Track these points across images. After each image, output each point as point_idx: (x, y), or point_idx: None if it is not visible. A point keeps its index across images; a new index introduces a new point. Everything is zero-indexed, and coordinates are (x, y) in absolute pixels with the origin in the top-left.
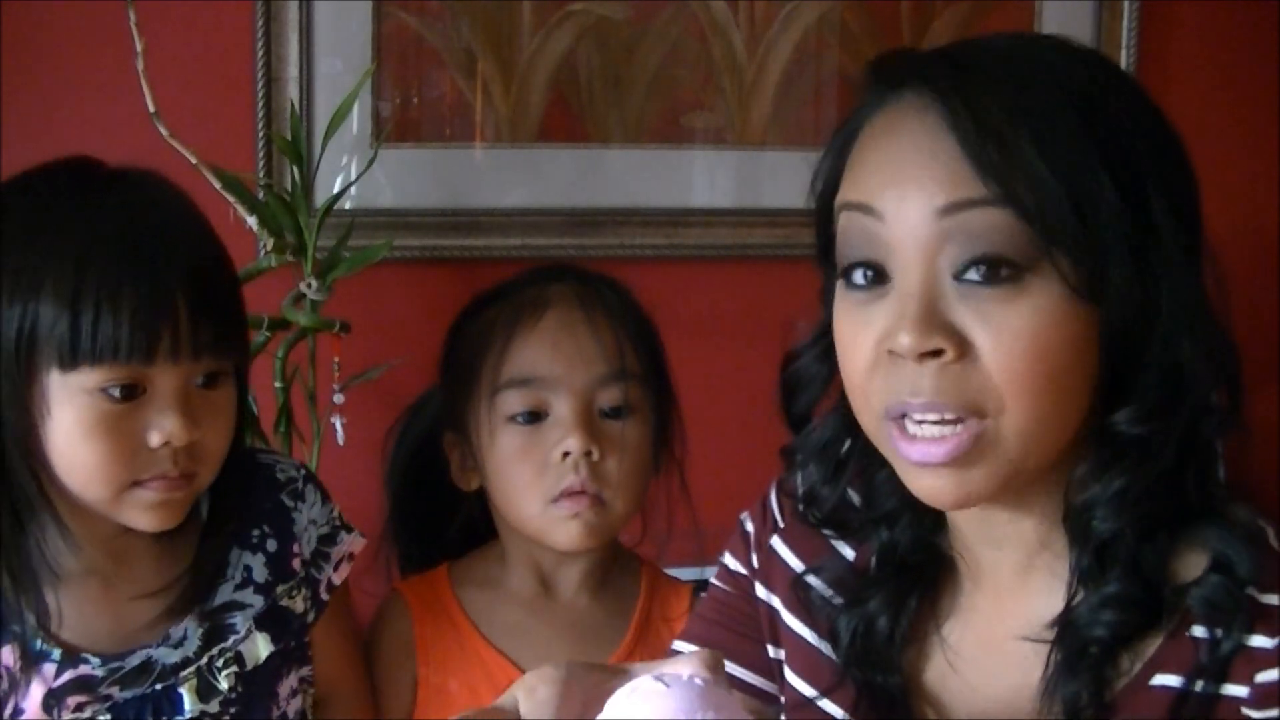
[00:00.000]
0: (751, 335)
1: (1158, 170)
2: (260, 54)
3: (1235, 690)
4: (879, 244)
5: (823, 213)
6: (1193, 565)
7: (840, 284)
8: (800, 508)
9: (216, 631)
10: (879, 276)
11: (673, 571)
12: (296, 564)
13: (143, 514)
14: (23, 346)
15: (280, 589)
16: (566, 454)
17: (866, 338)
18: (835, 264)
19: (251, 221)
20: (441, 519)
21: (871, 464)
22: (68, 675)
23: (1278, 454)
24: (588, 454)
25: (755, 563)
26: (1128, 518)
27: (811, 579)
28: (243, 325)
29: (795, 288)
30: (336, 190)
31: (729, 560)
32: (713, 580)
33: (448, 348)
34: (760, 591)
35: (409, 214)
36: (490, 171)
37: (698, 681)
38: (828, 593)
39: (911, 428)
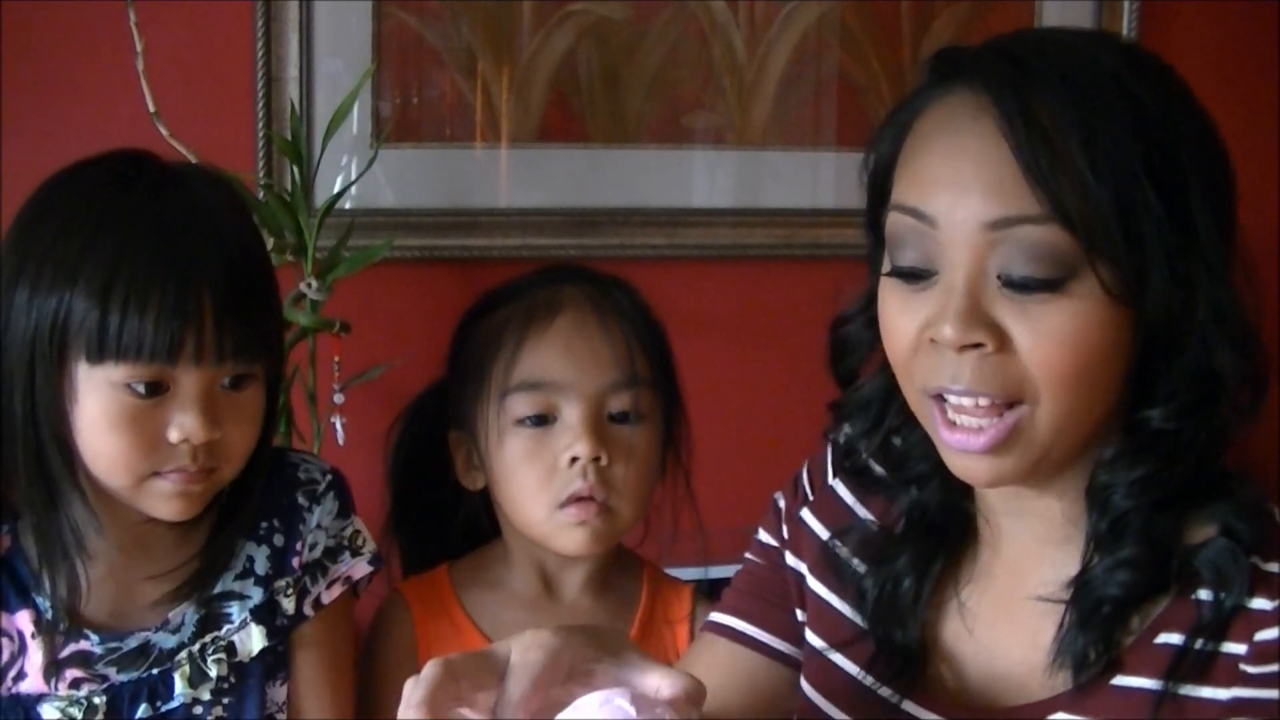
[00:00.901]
0: (751, 335)
1: (1201, 177)
2: (260, 54)
3: (1234, 648)
4: (929, 244)
5: (874, 190)
6: (1201, 534)
7: (888, 271)
8: (842, 458)
9: (212, 619)
10: (926, 271)
11: (676, 572)
12: (297, 562)
13: (162, 503)
14: (56, 335)
15: (278, 583)
16: (574, 459)
17: (910, 323)
18: (883, 240)
19: None
20: (443, 518)
21: (909, 425)
22: (69, 648)
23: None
24: (596, 459)
25: (785, 534)
26: (1146, 498)
27: (838, 546)
28: (276, 330)
29: (795, 287)
30: (336, 190)
31: (761, 535)
32: (747, 555)
33: (456, 346)
34: (789, 560)
35: (409, 214)
36: (490, 171)
37: (665, 717)
38: (853, 559)
39: (951, 413)
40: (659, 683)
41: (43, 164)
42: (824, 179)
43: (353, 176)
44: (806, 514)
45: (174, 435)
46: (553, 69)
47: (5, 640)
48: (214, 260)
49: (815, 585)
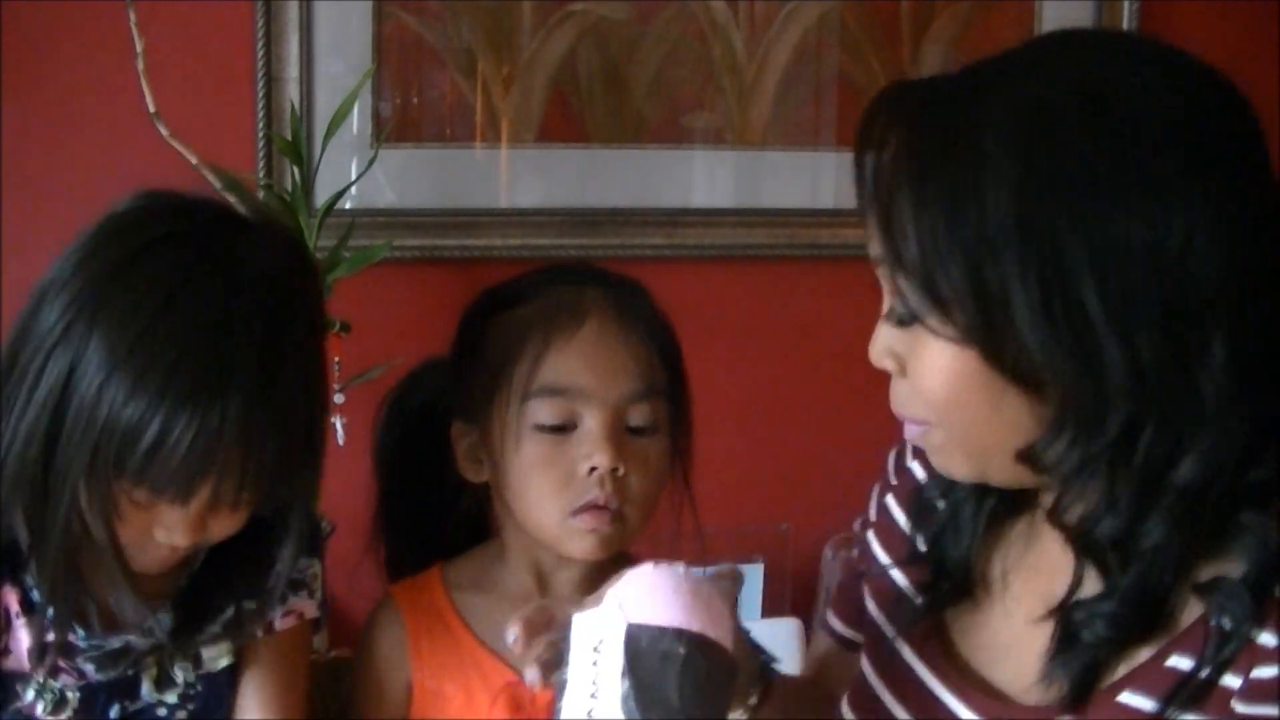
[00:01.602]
0: (751, 335)
1: (1092, 236)
2: (260, 54)
3: (1232, 681)
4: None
5: None
6: (1217, 568)
7: None
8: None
9: (186, 625)
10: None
11: None
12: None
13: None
14: (114, 442)
15: (247, 604)
16: (593, 469)
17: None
18: None
19: None
20: (435, 509)
21: None
22: (55, 636)
23: None
24: (614, 470)
25: (872, 516)
26: (1102, 533)
27: (929, 491)
28: (305, 466)
29: (795, 288)
30: (336, 190)
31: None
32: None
33: (468, 338)
34: (889, 499)
35: (409, 214)
36: (490, 171)
37: (680, 569)
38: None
39: None
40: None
41: (43, 164)
42: (824, 179)
43: (353, 176)
44: (914, 463)
45: (160, 535)
46: (553, 69)
47: None
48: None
49: (891, 504)
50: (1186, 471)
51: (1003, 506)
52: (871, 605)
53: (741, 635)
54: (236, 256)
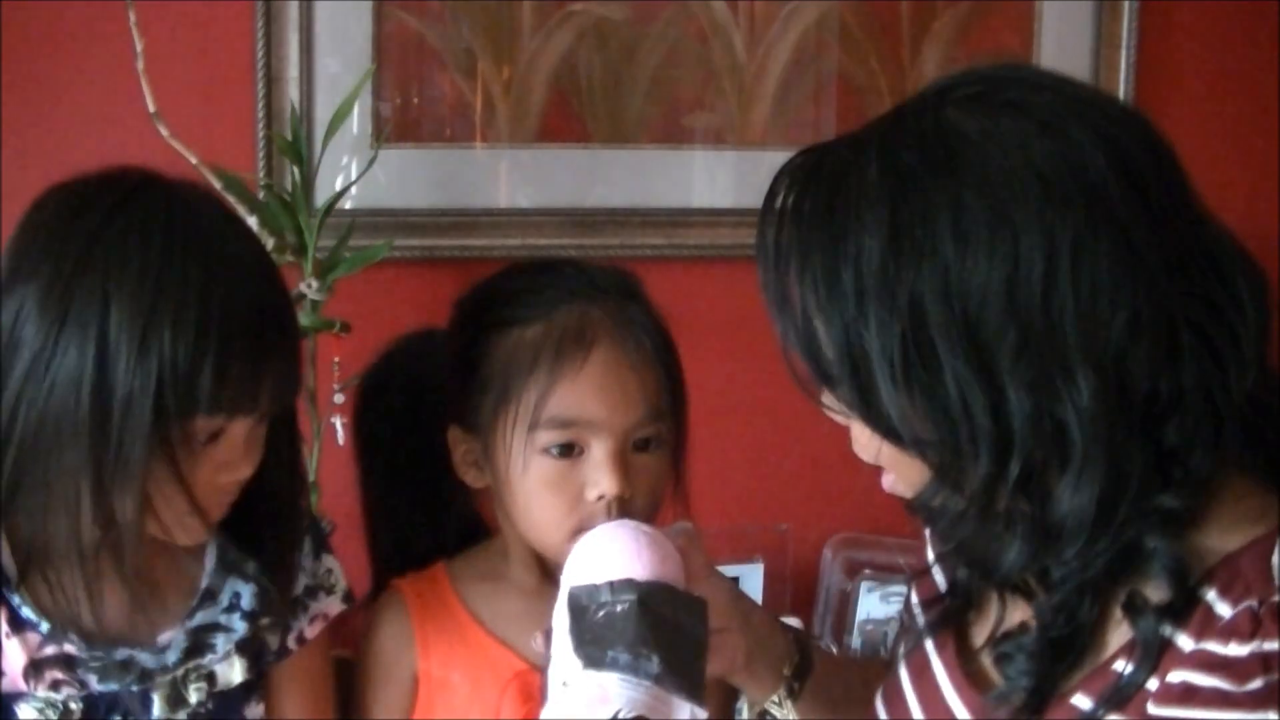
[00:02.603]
0: (751, 335)
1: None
2: (260, 54)
3: (1152, 684)
4: None
5: None
6: (1132, 583)
7: None
8: None
9: (197, 648)
10: None
11: None
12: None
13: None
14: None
15: (264, 621)
16: (600, 495)
17: None
18: None
19: (251, 222)
20: (425, 509)
21: None
22: (51, 649)
23: None
24: (624, 494)
25: None
26: (1004, 568)
27: None
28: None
29: None
30: (336, 190)
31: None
32: None
33: (467, 351)
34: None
35: (409, 214)
36: (490, 171)
37: (627, 524)
38: None
39: None
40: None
41: (43, 164)
42: None
43: (353, 176)
44: None
45: (225, 478)
46: (553, 69)
47: None
48: (282, 307)
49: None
50: (1066, 503)
51: None
52: (914, 598)
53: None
54: (181, 196)
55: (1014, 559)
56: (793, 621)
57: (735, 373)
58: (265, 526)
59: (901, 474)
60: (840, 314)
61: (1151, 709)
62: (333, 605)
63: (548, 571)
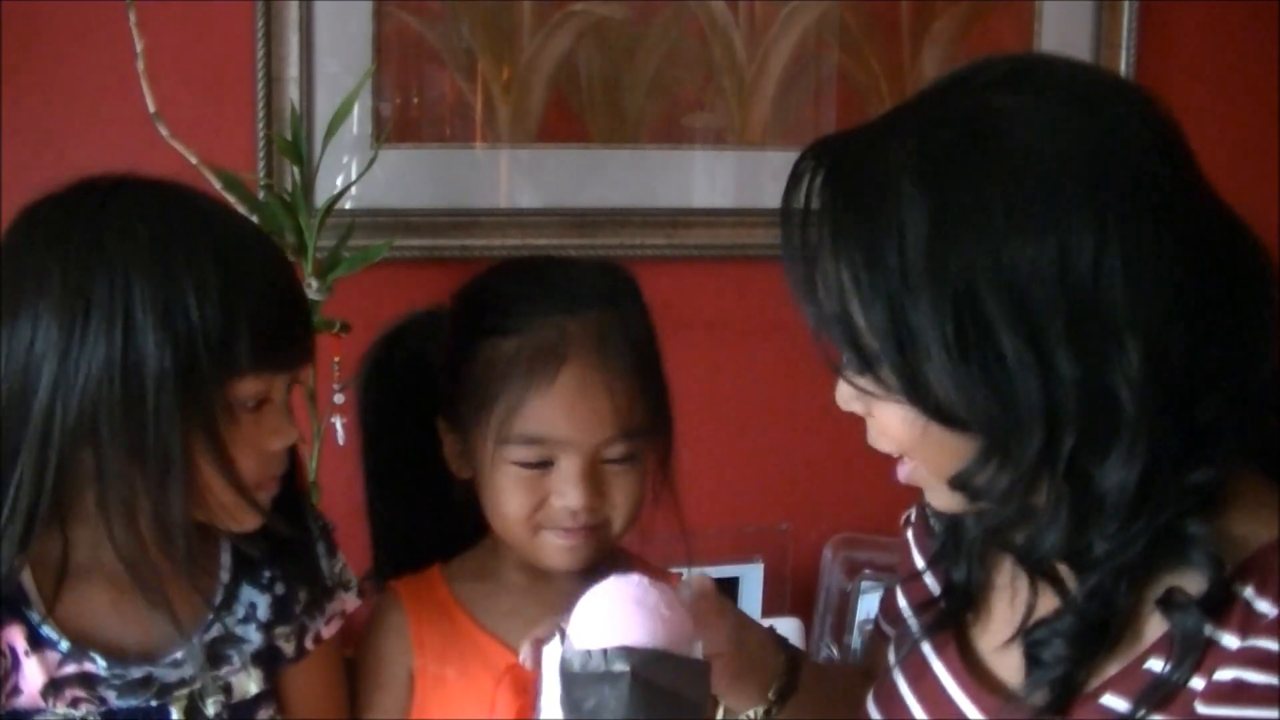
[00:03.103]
0: (751, 335)
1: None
2: (260, 54)
3: (1197, 683)
4: None
5: None
6: (1172, 578)
7: None
8: None
9: (214, 659)
10: None
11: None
12: (297, 609)
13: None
14: (204, 353)
15: (279, 630)
16: (565, 506)
17: None
18: None
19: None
20: (426, 500)
21: None
22: (71, 668)
23: None
24: (592, 506)
25: (914, 516)
26: (1045, 548)
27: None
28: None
29: None
30: (337, 190)
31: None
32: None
33: (456, 350)
34: (909, 532)
35: (409, 214)
36: (490, 171)
37: (631, 581)
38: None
39: None
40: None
41: (43, 164)
42: None
43: (353, 176)
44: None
45: (276, 444)
46: (553, 69)
47: None
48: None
49: (909, 534)
50: (1112, 478)
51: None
52: (903, 602)
53: (752, 632)
54: (162, 182)
55: (1055, 539)
56: (792, 622)
57: (735, 373)
58: (281, 527)
59: (931, 458)
60: (886, 293)
61: (1201, 709)
62: (349, 601)
63: (539, 570)
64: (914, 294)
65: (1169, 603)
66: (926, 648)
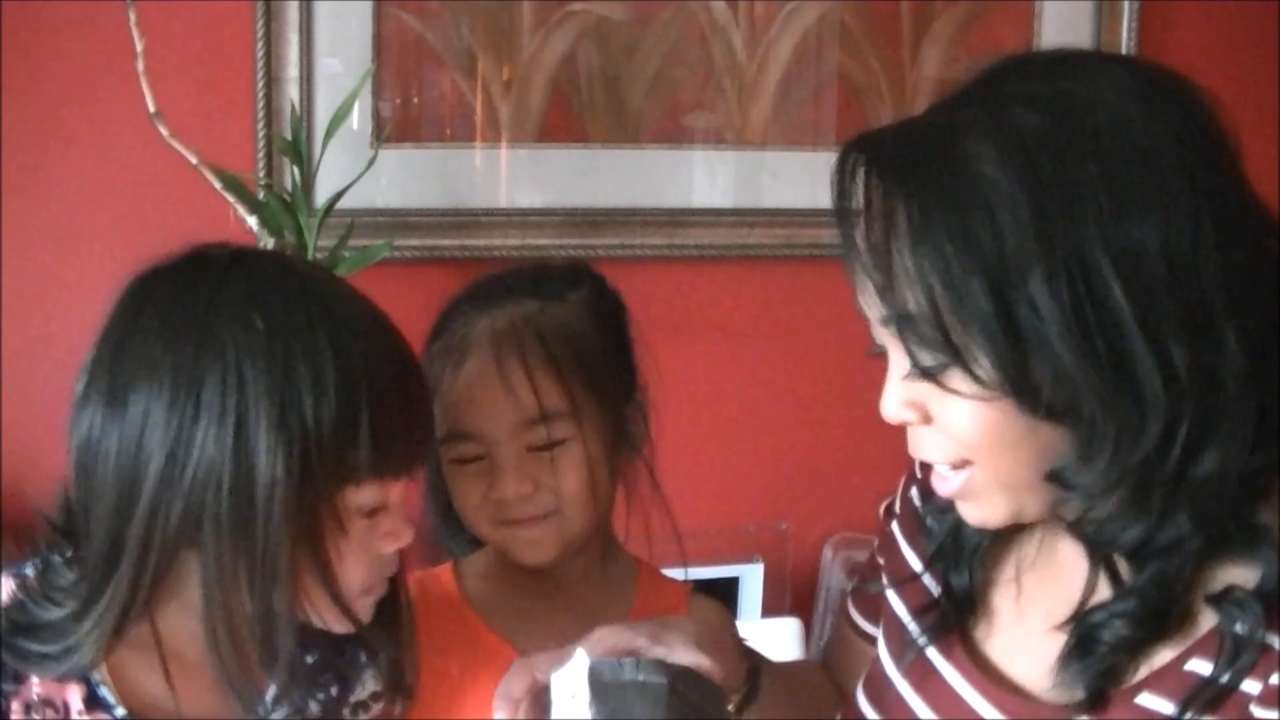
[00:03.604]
0: (751, 335)
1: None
2: (260, 54)
3: (1251, 686)
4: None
5: None
6: (1231, 576)
7: None
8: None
9: None
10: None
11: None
12: (346, 712)
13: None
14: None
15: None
16: (499, 497)
17: (884, 397)
18: None
19: (252, 221)
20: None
21: None
22: None
23: None
24: (519, 493)
25: (897, 508)
26: (1129, 538)
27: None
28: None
29: (795, 288)
30: (337, 190)
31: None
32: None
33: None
34: (914, 492)
35: (409, 214)
36: (490, 171)
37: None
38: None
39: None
40: (670, 637)
41: (43, 164)
42: (824, 179)
43: (353, 176)
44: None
45: (389, 548)
46: (553, 69)
47: (50, 712)
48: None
49: (895, 527)
50: (1208, 464)
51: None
52: (896, 601)
53: (732, 642)
54: (278, 258)
55: (1140, 529)
56: (792, 622)
57: (735, 372)
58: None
59: (1007, 459)
60: (986, 280)
61: (1257, 712)
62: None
63: (521, 563)
64: (1021, 277)
65: (1227, 598)
66: (930, 647)
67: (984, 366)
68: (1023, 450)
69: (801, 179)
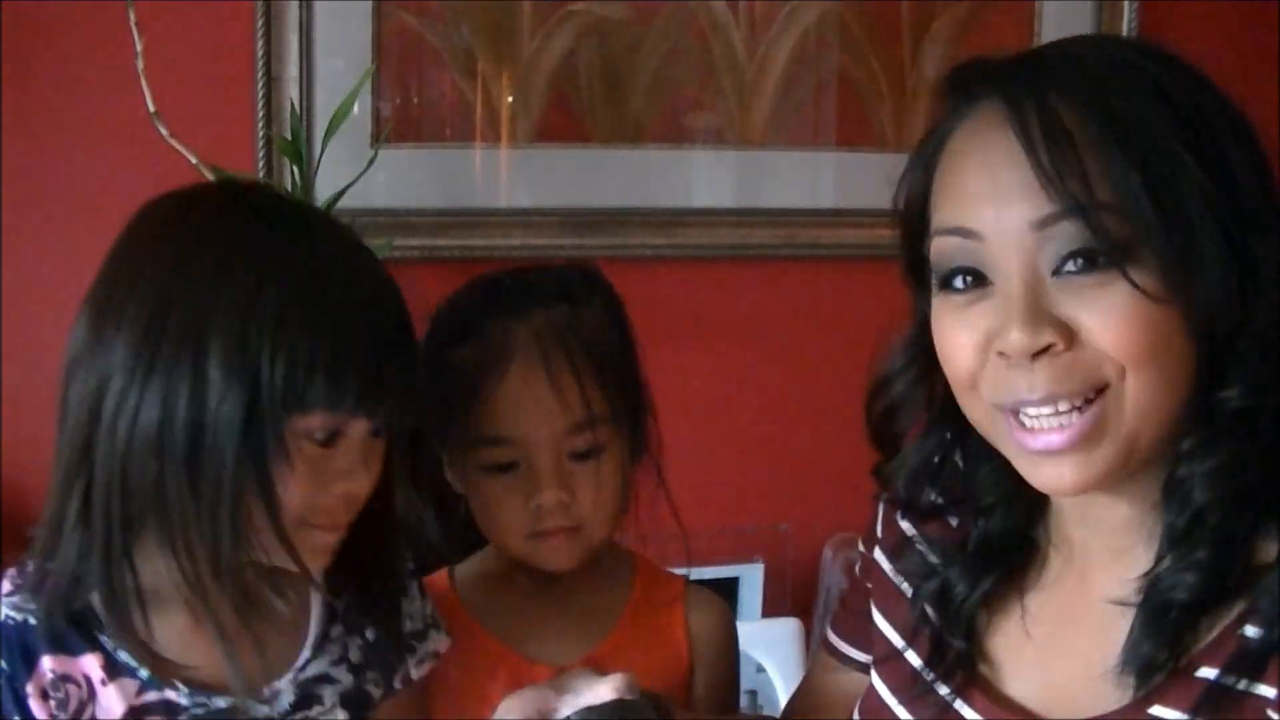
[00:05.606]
0: (751, 335)
1: (1240, 151)
2: (260, 54)
3: (1266, 690)
4: (978, 257)
5: (910, 227)
6: (1269, 554)
7: (938, 291)
8: (901, 508)
9: (306, 699)
10: (979, 280)
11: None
12: (388, 652)
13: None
14: (279, 389)
15: (369, 674)
16: (538, 505)
17: (971, 338)
18: (925, 280)
19: None
20: (440, 515)
21: (972, 465)
22: (151, 695)
23: None
24: (560, 502)
25: (879, 533)
26: (1225, 490)
27: (917, 540)
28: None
29: (795, 287)
30: (336, 190)
31: (860, 545)
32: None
33: (429, 364)
34: (877, 553)
35: (409, 214)
36: (490, 171)
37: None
38: (928, 555)
39: (1029, 421)
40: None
41: (43, 163)
42: (824, 179)
43: (352, 176)
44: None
45: (338, 488)
46: (553, 69)
47: (72, 687)
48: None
49: (889, 568)
50: None
51: (1005, 572)
52: (886, 627)
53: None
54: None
55: (1222, 462)
56: (792, 622)
57: (735, 372)
58: (372, 575)
59: (1155, 374)
60: (1155, 171)
61: (1275, 716)
62: (441, 641)
63: (541, 569)
64: (1179, 165)
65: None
66: (960, 704)
67: (1152, 261)
68: (1169, 369)
69: (801, 179)
